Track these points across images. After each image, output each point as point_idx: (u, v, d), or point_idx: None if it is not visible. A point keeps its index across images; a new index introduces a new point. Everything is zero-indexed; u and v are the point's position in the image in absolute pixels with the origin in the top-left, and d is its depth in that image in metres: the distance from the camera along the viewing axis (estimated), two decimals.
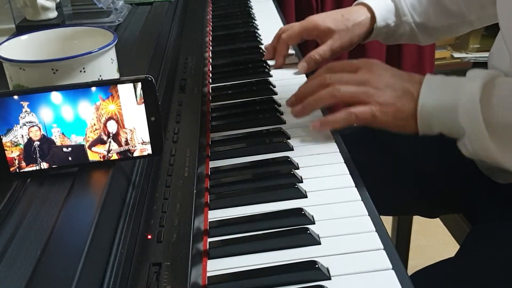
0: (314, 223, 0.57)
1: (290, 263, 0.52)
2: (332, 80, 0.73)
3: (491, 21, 0.94)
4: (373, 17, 0.93)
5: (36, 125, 0.50)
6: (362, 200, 0.60)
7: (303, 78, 0.94)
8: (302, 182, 0.65)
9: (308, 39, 1.00)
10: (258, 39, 1.14)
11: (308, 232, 0.55)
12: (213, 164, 0.70)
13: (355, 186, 0.63)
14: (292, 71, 0.97)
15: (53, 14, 0.93)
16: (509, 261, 0.68)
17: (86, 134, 0.51)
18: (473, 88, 0.65)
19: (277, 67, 0.98)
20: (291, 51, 1.03)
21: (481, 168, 0.83)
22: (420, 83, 0.69)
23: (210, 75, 0.98)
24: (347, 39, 0.93)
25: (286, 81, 0.94)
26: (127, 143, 0.52)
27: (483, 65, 2.15)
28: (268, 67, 0.99)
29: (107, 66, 0.62)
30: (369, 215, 0.58)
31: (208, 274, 0.52)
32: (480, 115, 0.64)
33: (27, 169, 0.51)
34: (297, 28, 0.95)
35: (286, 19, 1.33)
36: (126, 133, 0.52)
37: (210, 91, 0.91)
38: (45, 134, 0.50)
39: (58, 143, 0.51)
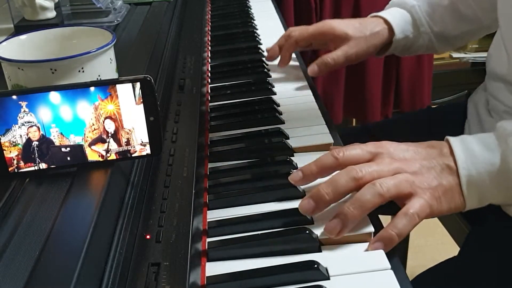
0: (313, 223, 0.57)
1: (289, 263, 0.52)
2: (365, 174, 0.58)
3: None
4: (390, 30, 0.89)
5: (35, 125, 0.50)
6: None
7: (303, 80, 0.94)
8: None
9: (317, 47, 0.96)
10: (257, 39, 1.14)
11: (307, 232, 0.55)
12: (212, 164, 0.70)
13: None
14: (294, 85, 0.92)
15: (52, 14, 0.92)
16: (509, 263, 0.68)
17: (84, 134, 0.51)
18: None
19: (282, 65, 0.94)
20: (295, 63, 0.99)
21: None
22: (449, 154, 0.60)
23: (209, 75, 0.98)
24: (364, 47, 0.88)
25: (286, 85, 0.93)
26: (126, 143, 0.52)
27: (482, 65, 2.15)
28: (267, 66, 0.99)
29: (105, 66, 0.62)
30: (368, 215, 0.58)
31: (207, 274, 0.51)
32: None
33: (25, 169, 0.51)
34: (310, 29, 0.90)
35: (285, 19, 1.33)
36: (125, 133, 0.52)
37: (209, 91, 0.91)
38: (44, 134, 0.50)
39: (56, 143, 0.51)
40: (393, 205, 0.97)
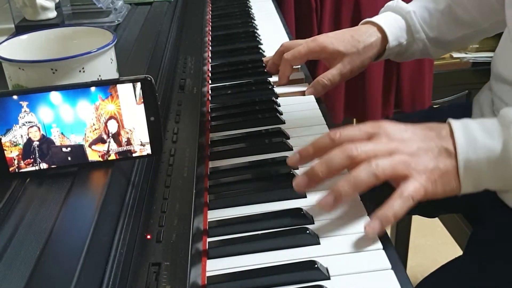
0: (313, 223, 0.57)
1: (289, 263, 0.52)
2: (361, 152, 0.58)
3: (504, 27, 0.86)
4: (384, 38, 0.88)
5: (35, 125, 0.50)
6: (361, 200, 0.60)
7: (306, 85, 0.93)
8: None
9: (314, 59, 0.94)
10: (258, 39, 1.14)
11: (307, 232, 0.55)
12: (212, 164, 0.70)
13: None
14: (296, 88, 0.91)
15: (53, 14, 0.92)
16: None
17: (85, 134, 0.51)
18: None
19: (279, 85, 0.92)
20: (296, 65, 0.96)
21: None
22: (448, 137, 0.60)
23: (210, 75, 0.98)
24: (357, 63, 0.88)
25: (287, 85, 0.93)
26: (126, 143, 0.52)
27: (482, 65, 2.15)
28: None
29: (106, 66, 0.62)
30: (368, 215, 0.58)
31: (208, 274, 0.52)
32: None
33: (26, 169, 0.51)
34: (302, 49, 0.89)
35: (285, 19, 1.33)
36: (125, 133, 0.52)
37: (210, 91, 0.91)
38: (45, 134, 0.50)
39: (57, 143, 0.51)
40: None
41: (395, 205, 0.56)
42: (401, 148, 0.59)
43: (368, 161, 0.57)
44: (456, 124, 0.60)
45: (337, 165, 0.58)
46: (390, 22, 0.89)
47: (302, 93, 0.89)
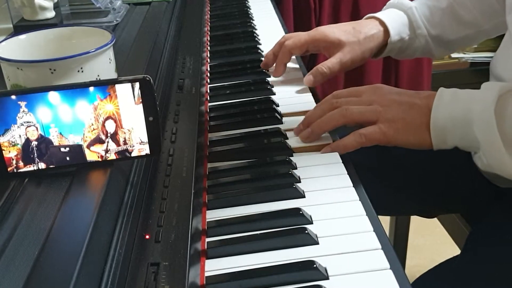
0: (312, 223, 0.57)
1: (288, 263, 0.52)
2: (339, 103, 0.71)
3: (505, 29, 0.86)
4: (386, 31, 0.88)
5: (34, 125, 0.50)
6: (360, 200, 0.60)
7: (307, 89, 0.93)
8: (300, 182, 0.65)
9: (314, 52, 0.94)
10: (256, 39, 1.14)
11: (306, 232, 0.55)
12: (211, 164, 0.70)
13: (353, 186, 0.63)
14: (295, 88, 0.91)
15: (51, 13, 0.92)
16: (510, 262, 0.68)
17: (84, 134, 0.51)
18: (488, 99, 0.63)
19: (276, 75, 0.92)
20: (295, 65, 0.97)
21: (481, 171, 0.81)
22: (428, 97, 0.68)
23: (208, 75, 0.98)
24: (358, 53, 0.88)
25: (288, 93, 0.91)
26: (125, 143, 0.52)
27: (481, 65, 2.15)
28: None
29: (105, 66, 0.62)
30: (367, 215, 0.58)
31: (206, 274, 0.51)
32: (495, 126, 0.61)
33: (24, 169, 0.51)
34: (303, 37, 0.89)
35: (284, 19, 1.33)
36: (124, 133, 0.52)
37: (208, 91, 0.91)
38: (43, 134, 0.50)
39: (55, 143, 0.51)
40: (391, 206, 0.97)
41: (347, 138, 0.69)
42: (378, 100, 0.70)
43: (341, 106, 0.70)
44: (441, 88, 0.68)
45: (321, 110, 0.72)
46: (393, 17, 0.90)
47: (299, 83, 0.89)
